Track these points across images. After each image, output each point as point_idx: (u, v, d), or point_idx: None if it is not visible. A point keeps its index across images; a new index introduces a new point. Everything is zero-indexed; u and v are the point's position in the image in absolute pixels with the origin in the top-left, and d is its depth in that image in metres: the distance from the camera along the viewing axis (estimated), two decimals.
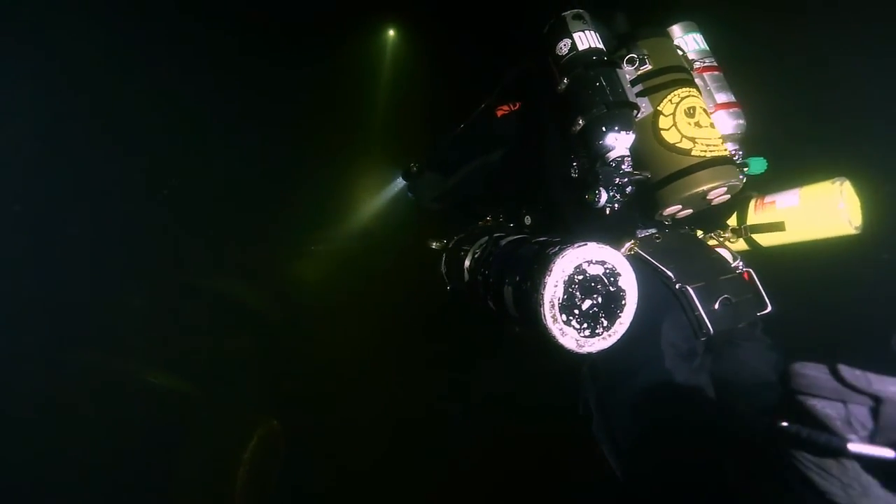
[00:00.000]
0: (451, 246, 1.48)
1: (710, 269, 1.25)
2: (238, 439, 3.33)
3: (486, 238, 1.31)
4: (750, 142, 1.40)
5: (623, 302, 0.97)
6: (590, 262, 0.95)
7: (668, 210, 1.18)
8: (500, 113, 1.48)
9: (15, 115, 2.96)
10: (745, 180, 1.31)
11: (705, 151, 1.13)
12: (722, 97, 1.30)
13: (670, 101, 1.17)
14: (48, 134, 3.11)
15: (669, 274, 1.14)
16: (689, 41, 1.35)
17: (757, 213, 1.42)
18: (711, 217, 1.39)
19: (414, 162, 1.74)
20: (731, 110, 1.30)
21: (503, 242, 1.22)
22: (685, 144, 1.14)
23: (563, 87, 1.19)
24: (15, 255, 3.00)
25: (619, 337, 0.98)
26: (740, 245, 1.47)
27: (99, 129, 3.37)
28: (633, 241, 1.18)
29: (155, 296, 3.75)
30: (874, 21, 1.73)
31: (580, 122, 1.14)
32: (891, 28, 1.73)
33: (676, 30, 1.37)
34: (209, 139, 3.93)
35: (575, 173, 1.17)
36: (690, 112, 1.16)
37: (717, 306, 1.17)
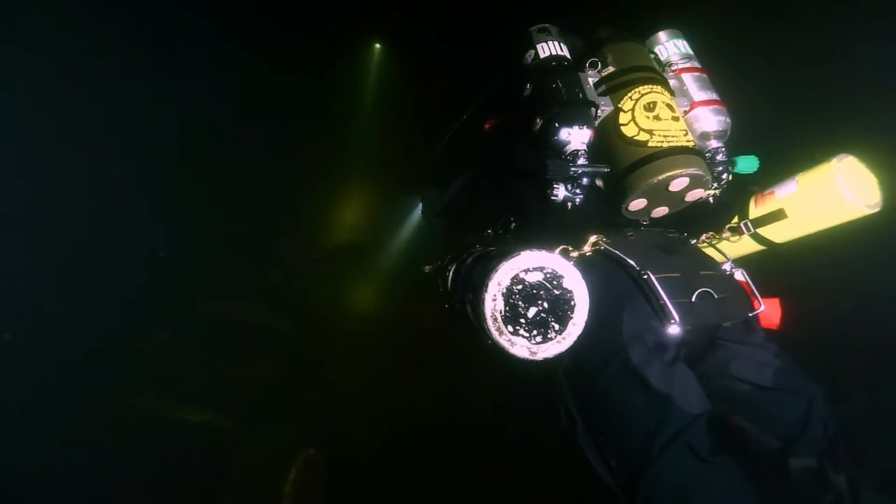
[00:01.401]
0: (441, 266, 1.54)
1: (690, 264, 1.20)
2: (277, 473, 3.22)
3: (461, 255, 1.36)
4: (749, 142, 1.35)
5: (572, 303, 0.98)
6: (527, 271, 0.97)
7: (632, 205, 1.17)
8: (487, 126, 1.57)
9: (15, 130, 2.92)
10: (728, 178, 1.27)
11: (661, 142, 1.12)
12: (701, 95, 1.29)
13: (630, 97, 1.19)
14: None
15: (631, 262, 1.12)
16: (669, 46, 1.37)
17: (757, 207, 1.34)
18: (704, 220, 1.33)
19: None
20: (711, 107, 1.28)
21: (469, 260, 1.27)
22: (642, 137, 1.14)
23: (528, 92, 1.27)
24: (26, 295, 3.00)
25: (574, 338, 0.98)
26: (747, 244, 1.39)
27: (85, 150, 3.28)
28: (598, 237, 1.18)
29: (176, 326, 3.70)
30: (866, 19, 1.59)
31: (538, 122, 1.20)
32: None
33: (661, 36, 1.40)
34: (196, 151, 3.83)
35: (538, 172, 1.21)
36: (650, 107, 1.16)
37: (693, 299, 1.12)
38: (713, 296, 1.13)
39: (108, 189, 3.39)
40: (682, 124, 1.17)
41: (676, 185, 1.13)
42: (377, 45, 4.59)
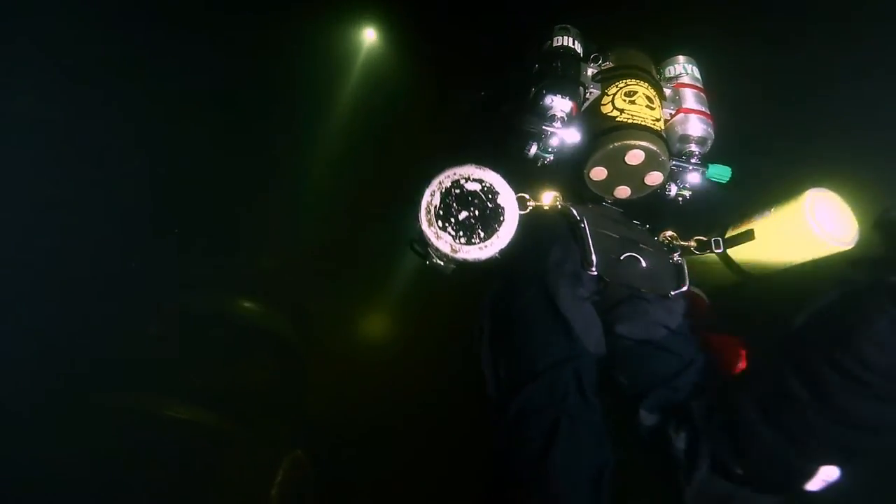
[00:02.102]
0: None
1: (632, 236, 1.28)
2: (264, 474, 3.15)
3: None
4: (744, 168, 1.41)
5: (501, 218, 1.12)
6: (467, 179, 1.14)
7: (594, 172, 1.28)
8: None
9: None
10: (697, 180, 1.34)
11: (628, 119, 1.25)
12: (691, 105, 1.40)
13: (616, 85, 1.34)
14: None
15: (576, 213, 1.22)
16: (679, 68, 1.51)
17: (734, 230, 1.36)
18: (671, 219, 1.39)
19: None
20: (698, 116, 1.38)
21: None
22: (613, 113, 1.28)
23: (535, 71, 1.46)
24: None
25: (496, 249, 1.11)
26: (719, 270, 1.39)
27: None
28: (557, 195, 1.30)
29: (163, 321, 3.63)
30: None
31: (532, 90, 1.39)
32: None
33: (678, 58, 1.54)
34: (190, 139, 3.73)
35: (517, 125, 1.38)
36: (630, 94, 1.30)
37: (621, 258, 1.19)
38: (640, 264, 1.19)
39: (99, 179, 3.40)
40: (655, 113, 1.29)
41: (632, 158, 1.23)
42: (369, 31, 4.38)
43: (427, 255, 1.19)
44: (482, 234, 1.11)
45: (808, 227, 1.19)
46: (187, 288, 3.78)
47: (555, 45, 1.45)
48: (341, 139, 4.37)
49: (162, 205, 3.75)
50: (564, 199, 1.31)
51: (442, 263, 1.17)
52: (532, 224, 1.23)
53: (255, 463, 3.21)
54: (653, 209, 1.38)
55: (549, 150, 1.33)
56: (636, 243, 1.24)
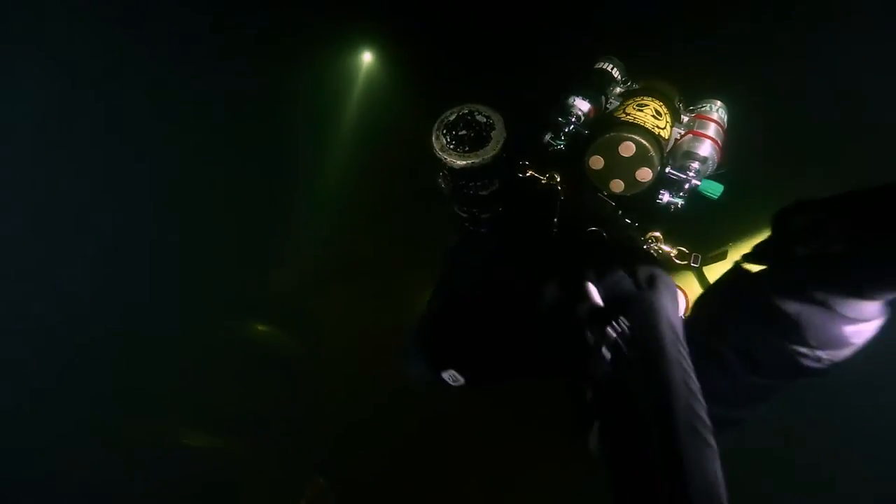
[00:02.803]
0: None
1: (609, 216, 1.40)
2: None
3: None
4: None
5: (487, 146, 1.36)
6: (480, 112, 1.41)
7: (592, 160, 1.46)
8: None
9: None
10: (689, 188, 1.44)
11: (629, 118, 1.42)
12: (704, 130, 1.53)
13: (633, 99, 1.54)
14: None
15: (558, 186, 1.41)
16: (708, 105, 1.65)
17: (713, 248, 1.43)
18: (661, 222, 1.49)
19: None
20: (707, 140, 1.50)
21: None
22: (619, 114, 1.47)
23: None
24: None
25: (481, 161, 1.36)
26: (694, 287, 1.45)
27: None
28: (556, 174, 1.50)
29: (176, 344, 3.54)
30: None
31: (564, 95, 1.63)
32: None
33: (715, 101, 1.69)
34: (194, 160, 3.70)
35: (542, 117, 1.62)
36: (641, 106, 1.49)
37: (585, 230, 1.34)
38: (602, 239, 1.32)
39: (104, 202, 3.40)
40: (660, 122, 1.46)
41: (625, 150, 1.40)
42: (366, 54, 4.26)
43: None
44: (467, 149, 1.36)
45: None
46: (199, 312, 3.70)
47: (596, 66, 1.71)
48: (345, 158, 4.31)
49: (169, 230, 3.74)
50: (561, 180, 1.50)
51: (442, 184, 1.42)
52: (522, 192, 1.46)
53: (276, 493, 3.21)
54: (646, 213, 1.51)
55: (561, 139, 1.55)
56: (607, 226, 1.38)
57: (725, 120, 1.65)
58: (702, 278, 1.42)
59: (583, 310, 0.89)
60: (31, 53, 3.12)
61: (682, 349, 0.85)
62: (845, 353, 0.93)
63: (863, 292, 0.85)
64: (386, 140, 3.98)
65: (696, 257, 1.42)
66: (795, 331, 0.87)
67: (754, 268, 1.00)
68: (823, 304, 0.87)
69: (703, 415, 0.78)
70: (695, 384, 0.81)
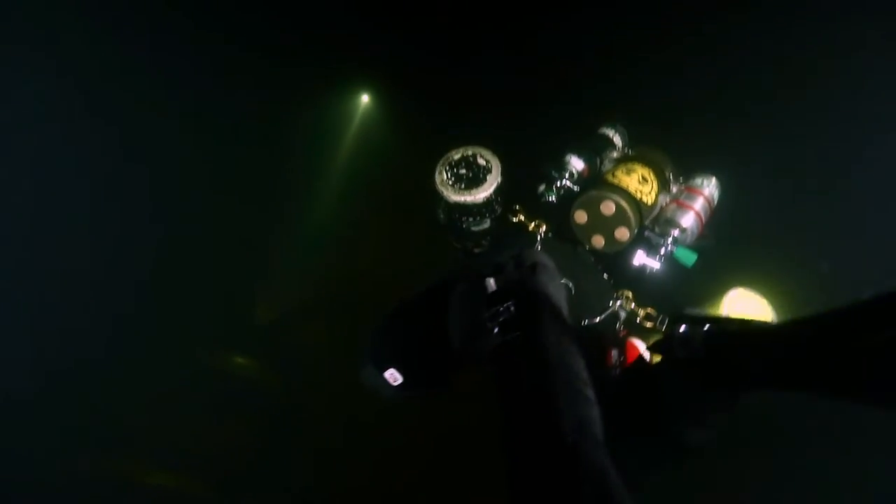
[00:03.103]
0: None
1: (582, 270, 1.48)
2: None
3: None
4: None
5: (482, 186, 1.48)
6: (481, 156, 1.54)
7: (577, 215, 1.55)
8: None
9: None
10: (663, 253, 1.50)
11: (615, 181, 1.52)
12: (691, 203, 1.60)
13: (625, 164, 1.64)
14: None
15: (540, 233, 1.51)
16: (700, 180, 1.73)
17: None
18: (635, 283, 1.55)
19: None
20: (691, 212, 1.57)
21: None
22: (608, 175, 1.57)
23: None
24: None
25: (472, 199, 1.48)
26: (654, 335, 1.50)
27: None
28: (542, 223, 1.60)
29: (147, 376, 3.35)
30: None
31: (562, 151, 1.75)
32: None
33: (711, 178, 1.77)
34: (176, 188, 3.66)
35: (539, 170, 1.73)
36: (629, 171, 1.59)
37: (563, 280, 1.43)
38: (570, 291, 1.39)
39: (84, 232, 3.33)
40: (644, 188, 1.54)
41: (606, 208, 1.48)
42: (364, 96, 4.33)
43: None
44: (462, 187, 1.47)
45: None
46: (174, 338, 3.58)
47: (599, 130, 1.84)
48: (335, 194, 4.34)
49: (155, 257, 3.69)
50: (547, 229, 1.60)
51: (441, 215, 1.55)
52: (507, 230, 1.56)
53: None
54: (622, 271, 1.57)
55: (553, 192, 1.66)
56: (582, 274, 1.45)
57: (716, 197, 1.72)
58: None
59: (481, 299, 1.03)
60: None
61: (560, 324, 0.95)
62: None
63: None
64: (377, 178, 4.08)
65: (662, 319, 1.47)
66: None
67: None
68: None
69: (583, 374, 0.86)
70: (574, 353, 0.90)
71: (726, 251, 1.61)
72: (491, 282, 1.04)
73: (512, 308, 0.95)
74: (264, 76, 3.89)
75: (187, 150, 3.75)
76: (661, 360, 1.16)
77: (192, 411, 3.44)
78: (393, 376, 1.29)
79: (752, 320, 0.98)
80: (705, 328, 0.97)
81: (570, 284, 1.42)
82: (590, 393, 0.84)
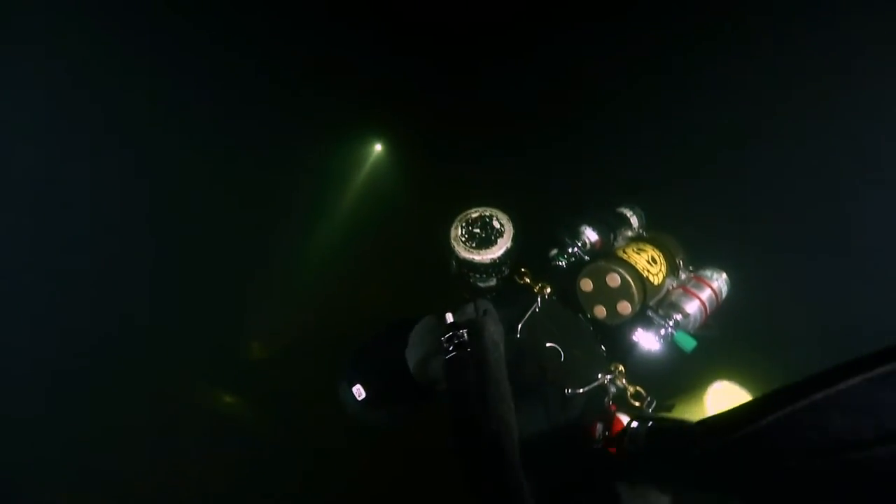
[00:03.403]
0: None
1: (576, 336, 1.49)
2: None
3: None
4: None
5: (492, 248, 1.56)
6: (497, 219, 1.62)
7: (583, 283, 1.59)
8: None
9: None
10: (663, 335, 1.51)
11: (626, 258, 1.56)
12: (698, 292, 1.62)
13: (636, 243, 1.69)
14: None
15: (541, 297, 1.55)
16: (711, 273, 1.76)
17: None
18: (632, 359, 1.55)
19: None
20: (696, 300, 1.59)
21: None
22: (618, 250, 1.61)
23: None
24: None
25: (481, 259, 1.54)
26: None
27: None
28: (547, 286, 1.64)
29: (128, 408, 3.28)
30: None
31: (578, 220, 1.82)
32: None
33: (720, 271, 1.80)
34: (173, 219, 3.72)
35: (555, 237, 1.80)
36: (640, 250, 1.63)
37: (546, 344, 1.46)
38: (559, 355, 1.41)
39: (83, 262, 3.35)
40: (652, 269, 1.58)
41: (611, 280, 1.52)
42: (377, 145, 4.45)
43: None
44: (473, 245, 1.54)
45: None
46: (158, 370, 3.50)
47: (619, 209, 1.91)
48: (338, 237, 4.44)
49: (158, 294, 3.72)
50: (551, 292, 1.64)
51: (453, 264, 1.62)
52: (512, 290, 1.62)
53: None
54: (619, 346, 1.58)
55: (563, 258, 1.71)
56: (573, 341, 1.47)
57: (724, 292, 1.74)
58: None
59: (440, 327, 1.33)
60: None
61: (496, 354, 1.26)
62: None
63: None
64: (380, 224, 4.23)
65: (650, 402, 1.46)
66: None
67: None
68: None
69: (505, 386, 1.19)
70: (503, 373, 1.22)
71: (727, 342, 1.61)
72: (449, 316, 1.34)
73: (464, 335, 1.24)
74: (289, 113, 4.10)
75: (197, 178, 3.89)
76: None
77: (169, 444, 3.39)
78: (359, 392, 1.47)
79: (684, 420, 1.08)
80: (649, 425, 1.12)
81: (560, 348, 1.44)
82: (511, 404, 1.16)
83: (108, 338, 3.47)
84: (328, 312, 4.14)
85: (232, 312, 4.15)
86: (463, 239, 1.58)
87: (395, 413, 1.54)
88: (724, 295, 1.74)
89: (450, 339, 1.24)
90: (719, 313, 1.71)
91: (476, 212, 1.65)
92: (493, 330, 1.32)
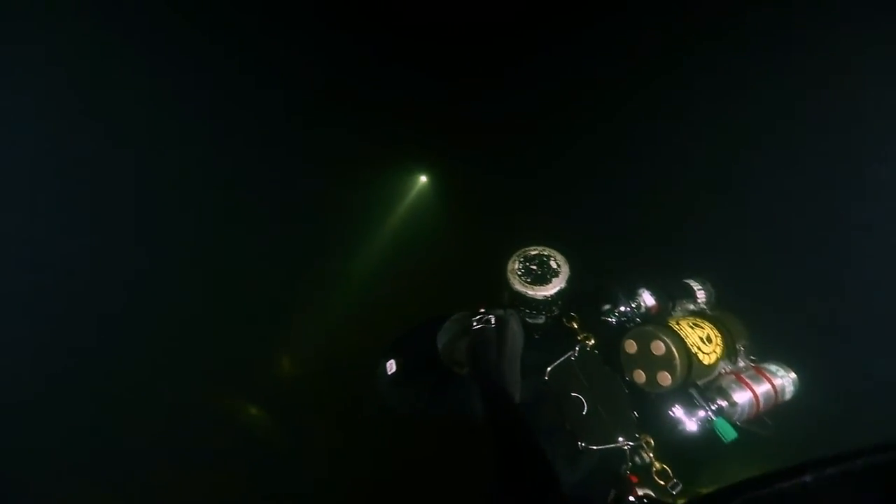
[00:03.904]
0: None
1: (607, 398, 1.46)
2: None
3: None
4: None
5: (550, 284, 1.59)
6: (555, 259, 1.66)
7: (627, 344, 1.55)
8: None
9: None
10: (704, 417, 1.42)
11: (678, 329, 1.50)
12: (755, 385, 1.50)
13: (695, 317, 1.61)
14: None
15: (580, 347, 1.55)
16: (777, 367, 1.62)
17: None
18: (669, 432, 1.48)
19: None
20: (749, 392, 1.47)
21: None
22: (672, 320, 1.56)
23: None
24: None
25: (532, 294, 1.60)
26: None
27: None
28: (591, 337, 1.63)
29: (139, 417, 3.32)
30: None
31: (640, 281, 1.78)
32: None
33: (788, 369, 1.65)
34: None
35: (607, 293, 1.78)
36: (695, 325, 1.56)
37: (571, 393, 1.44)
38: (582, 407, 1.39)
39: (103, 275, 3.50)
40: (705, 348, 1.50)
41: (656, 348, 1.47)
42: (422, 177, 4.60)
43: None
44: (528, 281, 1.59)
45: None
46: (172, 376, 3.61)
47: (687, 280, 1.84)
48: (376, 263, 4.63)
49: (190, 302, 3.88)
50: (595, 344, 1.62)
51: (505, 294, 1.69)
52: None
53: None
54: (653, 418, 1.51)
55: (614, 315, 1.69)
56: (597, 401, 1.44)
57: (788, 392, 1.59)
58: None
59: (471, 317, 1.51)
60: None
61: (515, 345, 1.43)
62: None
63: None
64: (420, 254, 4.37)
65: (675, 484, 1.37)
66: None
67: None
68: None
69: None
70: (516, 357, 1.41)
71: (780, 445, 1.46)
72: (481, 309, 1.50)
73: (491, 320, 1.43)
74: (345, 143, 4.34)
75: (252, 197, 4.21)
76: None
77: (181, 451, 3.46)
78: (391, 366, 1.61)
79: None
80: None
81: (584, 400, 1.42)
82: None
83: (148, 341, 3.76)
84: (361, 336, 4.10)
85: (267, 326, 4.34)
86: (519, 273, 1.64)
87: (416, 394, 1.64)
88: (787, 395, 1.59)
89: (478, 321, 1.45)
90: (779, 413, 1.56)
91: (535, 249, 1.70)
92: (516, 328, 1.47)
